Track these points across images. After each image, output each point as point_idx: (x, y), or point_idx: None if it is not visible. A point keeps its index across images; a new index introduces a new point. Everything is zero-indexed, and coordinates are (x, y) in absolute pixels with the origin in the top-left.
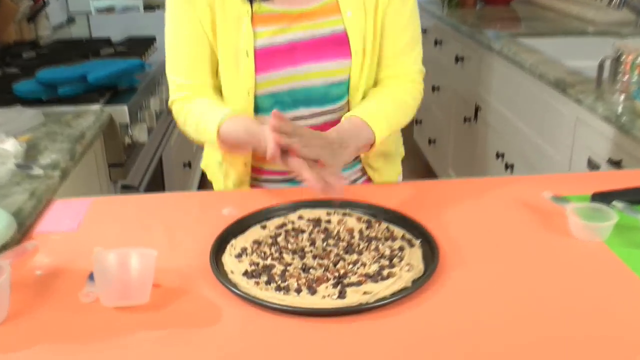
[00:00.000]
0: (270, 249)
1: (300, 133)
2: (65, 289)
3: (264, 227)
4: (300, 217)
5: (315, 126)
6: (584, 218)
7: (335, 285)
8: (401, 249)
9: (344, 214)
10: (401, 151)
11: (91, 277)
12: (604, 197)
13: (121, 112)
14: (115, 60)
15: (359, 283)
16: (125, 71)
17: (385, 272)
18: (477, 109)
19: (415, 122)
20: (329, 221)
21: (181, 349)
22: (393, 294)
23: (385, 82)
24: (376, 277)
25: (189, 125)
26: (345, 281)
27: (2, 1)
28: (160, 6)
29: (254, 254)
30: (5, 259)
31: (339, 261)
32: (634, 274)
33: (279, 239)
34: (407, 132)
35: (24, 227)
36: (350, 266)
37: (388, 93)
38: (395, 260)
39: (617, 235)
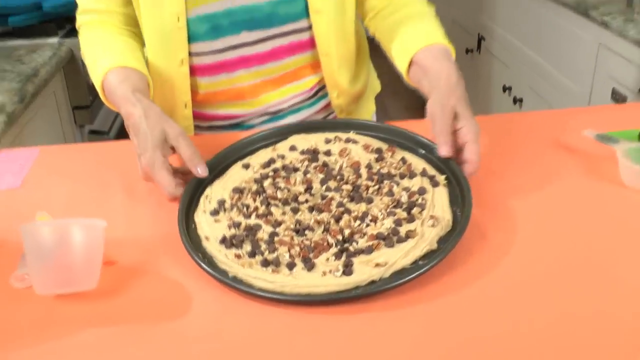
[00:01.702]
0: (255, 200)
1: None
2: None
3: (246, 167)
4: (292, 148)
5: (264, 52)
6: (638, 161)
7: (338, 255)
8: (422, 191)
9: (348, 141)
10: (375, 86)
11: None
12: None
13: None
14: None
15: (369, 249)
16: None
17: (402, 231)
18: (480, 40)
19: None
20: (328, 152)
21: (138, 351)
22: (415, 263)
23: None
24: (391, 238)
25: (86, 60)
26: (352, 247)
27: None
28: None
29: (234, 209)
30: None
31: (342, 214)
32: None
33: (266, 184)
34: None
35: None
36: (358, 223)
37: (422, 14)
38: (415, 210)
39: None
